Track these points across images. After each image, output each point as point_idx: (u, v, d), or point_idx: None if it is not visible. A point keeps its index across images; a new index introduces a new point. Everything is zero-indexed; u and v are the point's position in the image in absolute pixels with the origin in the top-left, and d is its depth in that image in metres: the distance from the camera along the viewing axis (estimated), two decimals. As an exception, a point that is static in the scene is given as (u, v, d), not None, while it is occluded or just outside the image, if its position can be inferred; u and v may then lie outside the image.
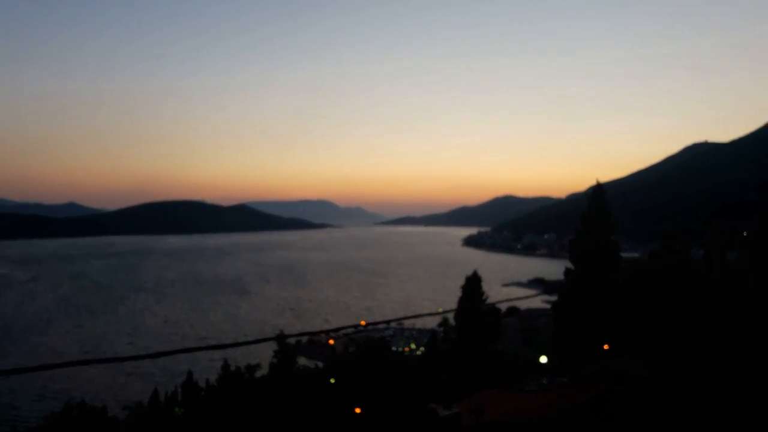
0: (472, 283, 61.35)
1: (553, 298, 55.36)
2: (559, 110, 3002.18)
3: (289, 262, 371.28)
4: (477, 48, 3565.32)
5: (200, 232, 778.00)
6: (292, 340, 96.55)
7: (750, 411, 23.29)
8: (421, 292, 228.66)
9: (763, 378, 25.06)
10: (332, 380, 49.52)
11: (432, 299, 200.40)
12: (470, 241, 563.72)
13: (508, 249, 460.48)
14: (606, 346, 43.77)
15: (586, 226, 47.58)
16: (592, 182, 49.28)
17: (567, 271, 49.07)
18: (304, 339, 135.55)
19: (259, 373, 51.23)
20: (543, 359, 56.79)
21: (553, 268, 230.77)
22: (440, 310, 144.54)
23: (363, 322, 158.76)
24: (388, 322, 75.31)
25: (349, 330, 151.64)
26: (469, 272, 62.24)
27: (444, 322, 75.95)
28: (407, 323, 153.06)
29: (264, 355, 67.08)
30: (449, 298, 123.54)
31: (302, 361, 76.93)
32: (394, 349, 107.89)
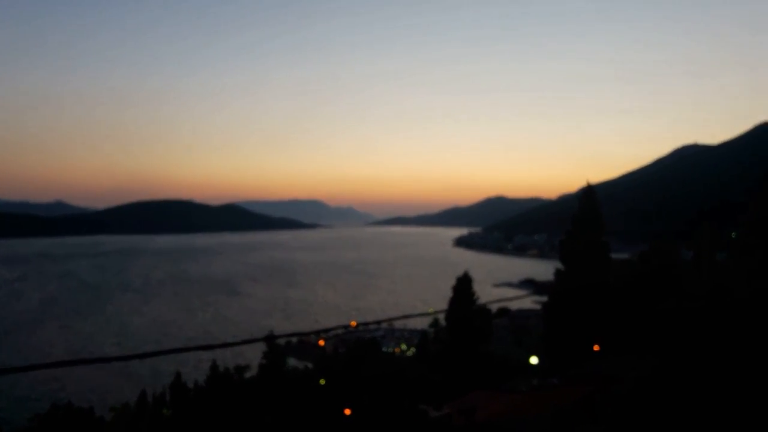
0: (463, 284, 61.27)
1: (544, 298, 55.38)
2: (550, 112, 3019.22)
3: (279, 263, 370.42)
4: (470, 50, 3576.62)
5: (190, 232, 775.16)
6: (281, 341, 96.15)
7: (739, 410, 23.35)
8: (413, 292, 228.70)
9: (752, 377, 25.16)
10: (322, 381, 49.28)
11: (423, 300, 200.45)
12: (461, 242, 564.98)
13: (499, 249, 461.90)
14: (596, 347, 43.84)
15: (576, 227, 47.59)
16: (583, 183, 49.28)
17: (557, 272, 49.06)
18: (294, 340, 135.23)
19: (248, 374, 50.89)
20: (533, 360, 56.83)
21: (544, 269, 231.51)
22: (431, 310, 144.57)
23: (353, 323, 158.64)
24: (378, 322, 75.26)
25: (340, 331, 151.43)
26: (460, 273, 62.19)
27: (435, 323, 76.03)
28: (398, 324, 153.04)
29: (253, 356, 66.78)
30: (440, 299, 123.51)
31: (292, 362, 76.62)
32: (384, 349, 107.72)
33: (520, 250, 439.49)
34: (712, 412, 23.73)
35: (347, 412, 37.72)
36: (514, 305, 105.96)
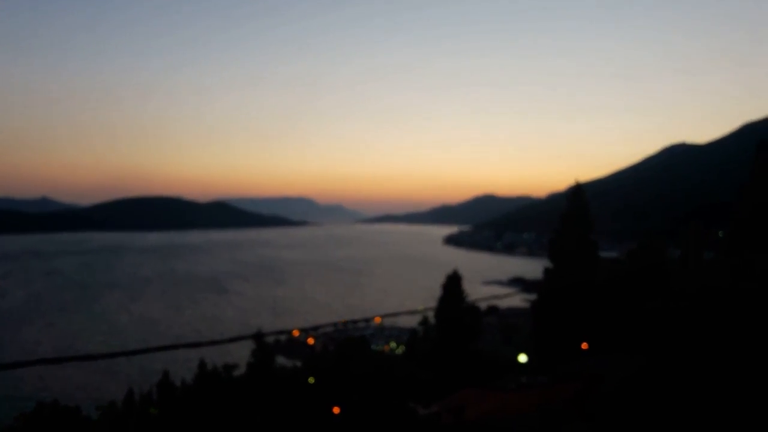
0: (453, 282, 61.33)
1: (533, 297, 55.61)
2: (540, 110, 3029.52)
3: (268, 260, 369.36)
4: (461, 47, 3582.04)
5: (177, 229, 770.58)
6: (270, 339, 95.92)
7: (723, 407, 23.52)
8: (402, 290, 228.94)
9: (737, 375, 25.34)
10: (311, 379, 49.15)
11: (412, 298, 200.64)
12: (451, 240, 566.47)
13: (489, 248, 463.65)
14: (584, 345, 44.04)
15: (565, 225, 47.83)
16: (572, 182, 49.56)
17: (546, 271, 49.29)
18: (283, 338, 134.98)
19: (236, 373, 50.65)
20: (522, 358, 57.03)
21: (533, 267, 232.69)
22: (421, 308, 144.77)
23: (344, 321, 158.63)
24: (367, 320, 75.07)
25: (329, 329, 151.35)
26: (450, 271, 62.27)
27: (424, 321, 75.88)
28: (387, 322, 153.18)
29: (242, 355, 66.58)
30: (430, 297, 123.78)
31: (281, 360, 76.47)
32: (374, 347, 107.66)
33: (509, 249, 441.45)
34: (698, 409, 23.89)
35: (336, 410, 37.66)
36: (503, 303, 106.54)
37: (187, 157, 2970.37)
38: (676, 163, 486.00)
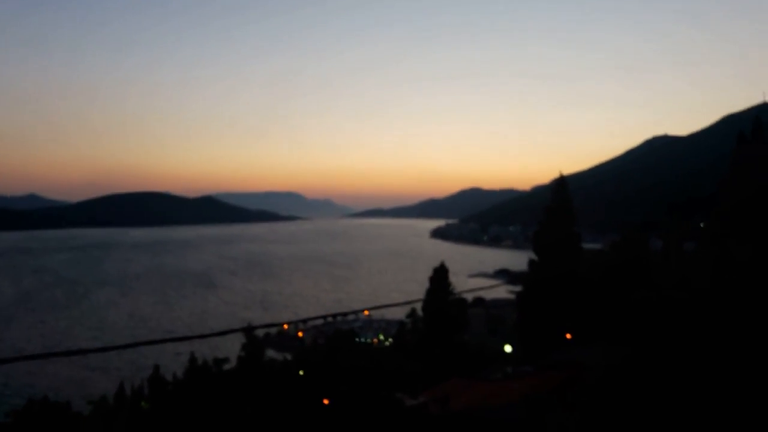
0: (439, 275, 62.18)
1: (518, 288, 56.53)
2: (524, 104, 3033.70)
3: (256, 255, 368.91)
4: (444, 40, 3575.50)
5: (166, 225, 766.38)
6: (260, 333, 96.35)
7: (705, 396, 24.34)
8: (390, 283, 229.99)
9: (717, 364, 26.20)
10: (301, 372, 49.73)
11: (401, 291, 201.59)
12: (438, 233, 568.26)
13: (475, 241, 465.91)
14: (568, 336, 44.93)
15: (549, 218, 48.65)
16: (556, 175, 50.29)
17: (531, 262, 50.13)
18: (273, 331, 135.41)
19: (227, 367, 51.09)
20: (508, 348, 58.02)
21: (518, 260, 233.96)
22: (409, 301, 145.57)
23: (333, 314, 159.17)
24: (356, 312, 75.80)
25: (318, 322, 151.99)
26: (437, 264, 63.10)
27: (412, 313, 76.64)
28: (376, 315, 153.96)
29: (232, 349, 67.01)
30: (418, 290, 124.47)
31: (271, 353, 76.98)
32: (362, 340, 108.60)
33: (495, 241, 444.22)
34: (680, 398, 24.74)
35: (326, 402, 38.30)
36: (489, 295, 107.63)
37: (175, 152, 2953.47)
38: (658, 155, 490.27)
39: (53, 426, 48.38)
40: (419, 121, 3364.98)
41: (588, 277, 46.79)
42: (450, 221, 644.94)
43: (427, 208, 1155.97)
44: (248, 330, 50.86)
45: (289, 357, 64.62)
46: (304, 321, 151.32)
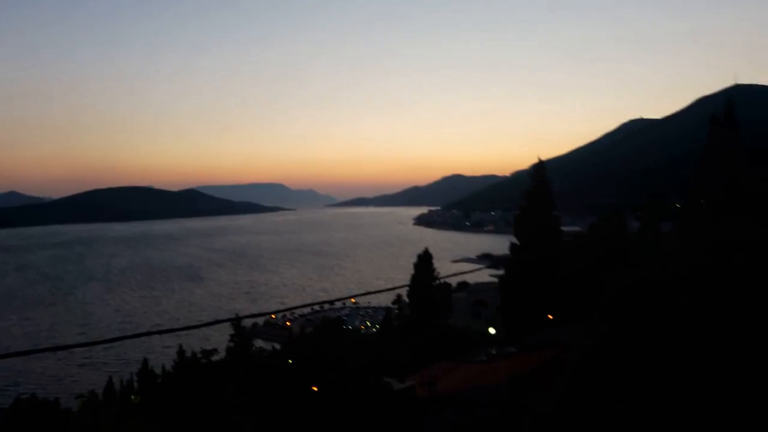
0: (424, 261, 63.10)
1: (500, 272, 57.44)
2: (502, 91, 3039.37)
3: (242, 247, 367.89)
4: (424, 31, 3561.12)
5: (149, 219, 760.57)
6: (248, 323, 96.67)
7: (680, 374, 25.23)
8: (376, 271, 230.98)
9: (694, 340, 27.10)
10: (290, 361, 50.27)
11: (386, 277, 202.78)
12: (421, 220, 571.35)
13: (458, 227, 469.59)
14: (550, 316, 45.95)
15: (529, 202, 49.49)
16: (535, 160, 51.06)
17: (512, 246, 51.00)
18: (261, 321, 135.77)
19: (215, 357, 51.52)
20: (491, 330, 59.07)
21: (500, 244, 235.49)
22: (395, 287, 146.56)
23: (320, 302, 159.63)
24: (343, 300, 76.42)
25: (306, 311, 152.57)
26: (421, 250, 63.94)
27: (398, 299, 77.56)
28: (362, 302, 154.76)
29: (220, 340, 67.47)
30: (403, 276, 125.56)
31: (259, 343, 77.44)
32: (350, 327, 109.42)
33: (477, 227, 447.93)
34: (657, 375, 25.64)
35: (314, 389, 38.92)
36: (473, 279, 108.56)
37: (157, 146, 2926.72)
38: (634, 139, 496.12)
39: (42, 424, 48.48)
40: (401, 111, 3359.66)
41: (567, 258, 47.76)
42: (433, 208, 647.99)
43: (410, 195, 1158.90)
44: (236, 320, 51.27)
45: (277, 346, 65.22)
46: (292, 310, 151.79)
